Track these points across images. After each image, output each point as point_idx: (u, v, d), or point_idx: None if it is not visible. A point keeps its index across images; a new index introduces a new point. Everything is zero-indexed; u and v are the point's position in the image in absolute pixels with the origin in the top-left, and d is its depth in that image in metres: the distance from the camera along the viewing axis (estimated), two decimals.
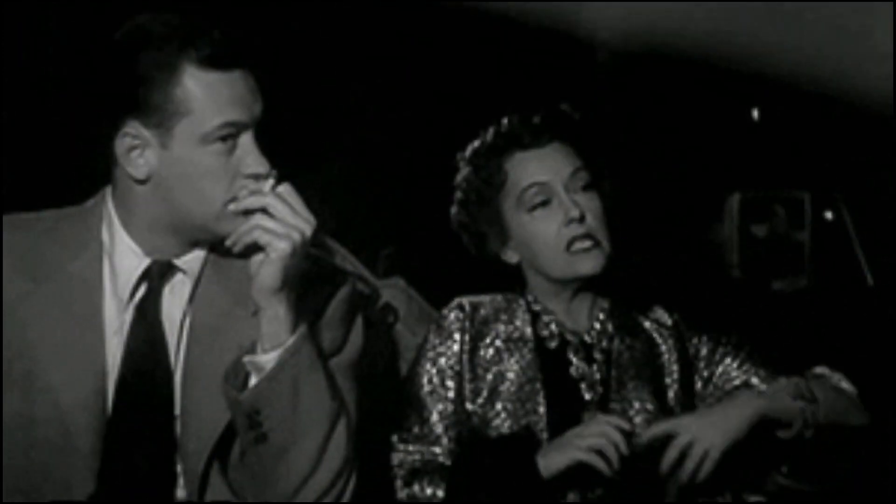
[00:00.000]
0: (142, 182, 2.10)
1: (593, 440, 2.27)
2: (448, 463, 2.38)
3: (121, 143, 2.09)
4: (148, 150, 2.08)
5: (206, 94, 2.05)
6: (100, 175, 2.17)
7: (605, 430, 2.28)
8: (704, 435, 2.32)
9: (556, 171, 2.42)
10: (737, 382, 2.50)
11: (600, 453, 2.27)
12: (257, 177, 2.08)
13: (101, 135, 2.10)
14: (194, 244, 2.16)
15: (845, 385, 2.48)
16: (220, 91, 2.06)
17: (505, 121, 2.47)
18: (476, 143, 2.49)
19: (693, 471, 2.31)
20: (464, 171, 2.49)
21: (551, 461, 2.28)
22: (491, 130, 2.48)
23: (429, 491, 2.34)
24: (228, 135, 2.07)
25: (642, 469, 2.34)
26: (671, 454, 2.32)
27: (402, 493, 2.35)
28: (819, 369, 2.51)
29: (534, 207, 2.42)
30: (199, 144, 2.07)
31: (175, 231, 2.13)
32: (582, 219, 2.38)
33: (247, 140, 2.09)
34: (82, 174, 2.20)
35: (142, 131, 2.07)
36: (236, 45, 2.08)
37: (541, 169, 2.42)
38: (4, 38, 3.23)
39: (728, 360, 2.51)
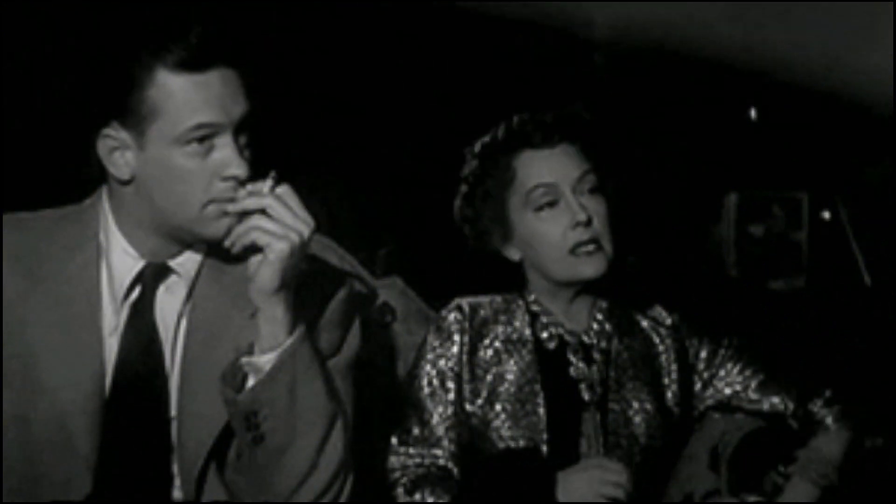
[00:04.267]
0: (126, 183, 2.10)
1: (613, 491, 2.29)
2: (449, 465, 2.38)
3: (102, 144, 2.09)
4: (127, 151, 2.08)
5: (179, 96, 2.04)
6: (98, 174, 2.16)
7: (625, 483, 2.30)
8: None
9: (564, 172, 2.41)
10: (737, 387, 2.51)
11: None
12: (235, 179, 2.07)
13: (87, 135, 2.10)
14: (186, 245, 2.16)
15: (848, 428, 2.49)
16: (194, 93, 2.05)
17: (516, 118, 2.46)
18: (486, 139, 2.48)
19: None
20: (471, 166, 2.48)
21: (570, 494, 2.30)
22: (502, 127, 2.47)
23: (430, 500, 2.34)
24: (204, 136, 2.06)
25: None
26: None
27: (403, 500, 2.34)
28: (821, 412, 2.51)
29: (540, 208, 2.41)
30: (173, 146, 2.06)
31: (160, 232, 2.13)
32: (588, 222, 2.38)
33: (225, 142, 2.07)
34: (80, 173, 2.19)
35: (120, 133, 2.07)
36: (213, 46, 2.06)
37: (549, 170, 2.41)
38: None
39: (729, 365, 2.51)
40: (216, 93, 2.06)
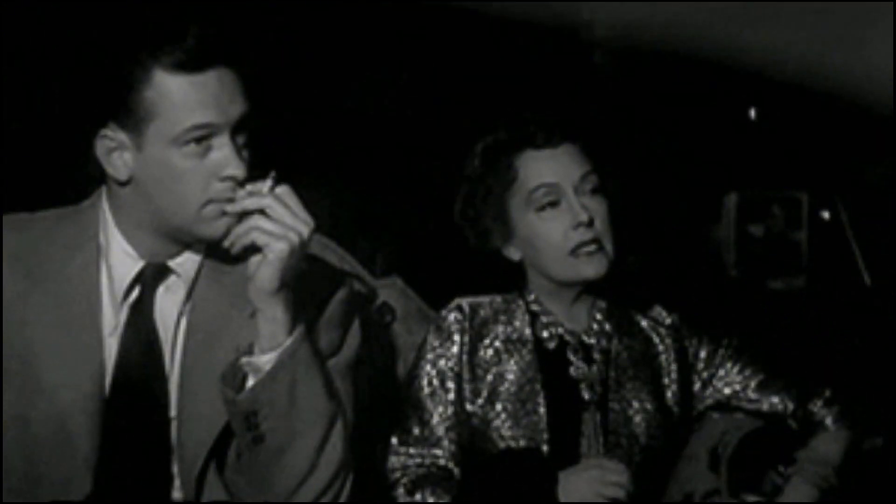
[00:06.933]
0: (124, 184, 2.10)
1: (614, 492, 2.29)
2: (450, 465, 2.38)
3: (101, 145, 2.09)
4: (125, 152, 2.08)
5: (176, 97, 2.04)
6: (97, 175, 2.16)
7: (625, 483, 2.30)
8: None
9: (566, 172, 2.41)
10: (737, 387, 2.51)
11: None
12: (233, 179, 2.07)
13: (85, 136, 2.10)
14: (185, 245, 2.16)
15: (847, 428, 2.50)
16: (190, 94, 2.04)
17: (519, 118, 2.46)
18: (488, 139, 2.48)
19: None
20: (473, 165, 2.47)
21: (570, 495, 2.29)
22: (503, 127, 2.47)
23: (431, 500, 2.34)
24: (201, 136, 2.06)
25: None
26: None
27: (403, 500, 2.34)
28: (820, 413, 2.51)
29: (542, 208, 2.41)
30: (171, 146, 2.06)
31: (159, 232, 2.13)
32: (590, 223, 2.38)
33: (222, 142, 2.07)
34: (80, 174, 2.19)
35: (118, 133, 2.07)
36: (211, 46, 2.06)
37: (551, 170, 2.41)
38: None
39: (728, 365, 2.51)
40: (213, 93, 2.06)
